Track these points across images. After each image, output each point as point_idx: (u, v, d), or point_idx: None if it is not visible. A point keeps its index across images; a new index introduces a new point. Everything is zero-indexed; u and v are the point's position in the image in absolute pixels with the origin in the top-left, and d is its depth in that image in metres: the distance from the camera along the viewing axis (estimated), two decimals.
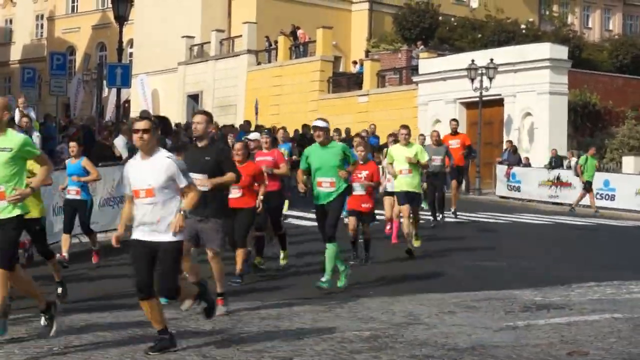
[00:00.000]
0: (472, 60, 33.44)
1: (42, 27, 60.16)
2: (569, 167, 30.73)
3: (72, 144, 14.06)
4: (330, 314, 9.48)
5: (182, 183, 7.53)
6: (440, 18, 43.60)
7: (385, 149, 17.80)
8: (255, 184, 11.98)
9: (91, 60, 54.81)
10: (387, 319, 9.14)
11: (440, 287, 11.45)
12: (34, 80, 36.34)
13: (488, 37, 43.40)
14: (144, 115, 7.84)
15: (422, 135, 21.97)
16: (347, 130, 28.89)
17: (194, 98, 46.74)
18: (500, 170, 31.21)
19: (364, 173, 13.29)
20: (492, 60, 33.00)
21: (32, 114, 21.01)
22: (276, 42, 43.45)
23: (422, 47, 40.16)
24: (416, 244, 14.72)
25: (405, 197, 14.23)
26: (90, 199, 13.93)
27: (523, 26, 45.15)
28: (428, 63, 37.63)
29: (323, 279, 10.87)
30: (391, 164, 14.43)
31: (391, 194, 15.70)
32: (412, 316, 9.29)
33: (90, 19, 56.56)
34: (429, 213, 18.54)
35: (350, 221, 13.39)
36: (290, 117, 37.37)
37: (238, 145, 12.00)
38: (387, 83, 40.08)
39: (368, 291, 11.23)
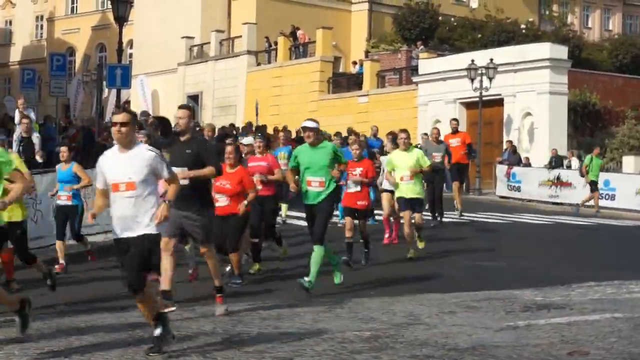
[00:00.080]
0: (472, 61, 33.44)
1: (41, 28, 60.19)
2: (569, 167, 30.75)
3: (63, 148, 13.75)
4: (330, 314, 9.48)
5: (165, 174, 7.47)
6: (440, 18, 43.60)
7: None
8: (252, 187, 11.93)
9: (91, 61, 54.81)
10: (387, 319, 9.14)
11: (441, 287, 11.44)
12: (34, 81, 36.33)
13: (488, 37, 43.40)
14: (123, 107, 7.80)
15: (425, 134, 21.96)
16: (349, 131, 28.77)
17: (194, 99, 46.71)
18: (501, 170, 31.20)
19: (358, 170, 13.23)
20: (492, 60, 33.01)
21: (32, 115, 21.00)
22: (276, 42, 43.46)
23: (421, 47, 40.16)
24: (420, 245, 14.58)
25: (407, 204, 14.08)
26: (82, 204, 13.71)
27: (523, 26, 45.16)
28: (428, 63, 37.64)
29: (306, 279, 10.78)
30: (391, 172, 14.28)
31: (389, 191, 15.61)
32: (413, 316, 9.29)
33: (89, 19, 56.58)
34: (429, 213, 18.50)
35: (347, 222, 13.30)
36: (291, 118, 37.32)
37: (229, 149, 11.83)
38: (387, 83, 40.08)
39: (368, 291, 11.23)
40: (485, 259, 14.45)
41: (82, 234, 14.17)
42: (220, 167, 9.91)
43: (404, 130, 14.61)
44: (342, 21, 46.06)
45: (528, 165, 31.43)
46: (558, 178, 29.31)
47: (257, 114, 35.32)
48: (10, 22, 62.08)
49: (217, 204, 11.54)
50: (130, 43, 50.00)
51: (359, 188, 13.24)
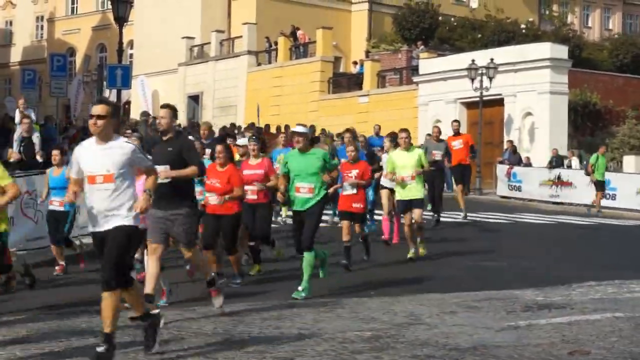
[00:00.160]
0: (473, 60, 33.44)
1: (42, 29, 60.18)
2: (569, 167, 30.75)
3: (55, 152, 13.44)
4: (331, 314, 9.48)
5: (143, 164, 7.41)
6: (440, 18, 43.58)
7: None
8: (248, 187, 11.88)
9: (91, 61, 54.81)
10: (388, 319, 9.14)
11: (441, 287, 11.44)
12: (34, 81, 36.36)
13: (488, 37, 43.39)
14: (102, 99, 7.66)
15: (429, 135, 21.86)
16: (347, 130, 28.76)
17: (195, 99, 46.74)
18: (501, 170, 31.20)
19: (354, 172, 13.11)
20: (492, 60, 33.00)
21: (32, 115, 21.01)
22: (276, 42, 43.45)
23: (422, 47, 40.15)
24: (422, 252, 14.36)
25: (406, 205, 13.95)
26: (73, 209, 13.49)
27: (523, 26, 45.14)
28: (428, 63, 37.63)
29: (300, 288, 10.69)
30: (392, 172, 14.04)
31: (389, 188, 15.48)
32: (414, 316, 9.28)
33: (90, 20, 56.57)
34: (430, 214, 18.42)
35: (344, 227, 13.08)
36: (291, 118, 37.27)
37: (219, 148, 11.71)
38: (387, 83, 40.07)
39: (369, 291, 11.23)
40: (486, 259, 14.44)
41: (72, 238, 13.99)
42: (202, 166, 9.87)
43: (405, 130, 14.41)
44: (343, 21, 46.05)
45: (529, 165, 31.43)
46: (559, 178, 29.30)
47: (258, 116, 35.26)
48: (11, 23, 62.08)
49: (209, 202, 11.59)
50: (131, 43, 50.00)
51: (354, 191, 13.09)
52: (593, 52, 44.74)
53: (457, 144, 19.87)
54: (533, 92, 33.68)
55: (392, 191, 15.24)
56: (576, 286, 11.55)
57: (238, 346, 7.75)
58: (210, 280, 9.55)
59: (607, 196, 26.93)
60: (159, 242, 9.34)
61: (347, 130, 16.46)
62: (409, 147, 14.11)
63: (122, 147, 7.22)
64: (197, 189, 12.00)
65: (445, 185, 20.78)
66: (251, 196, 12.43)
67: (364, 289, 11.37)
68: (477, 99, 33.28)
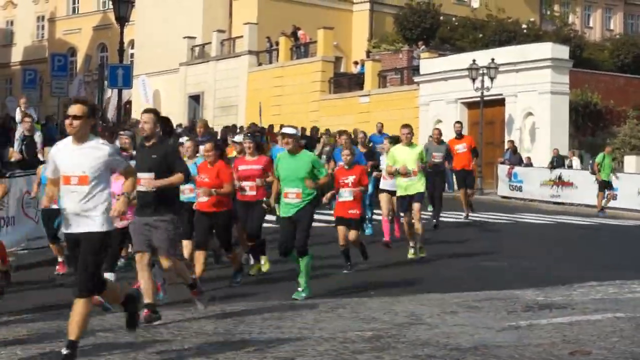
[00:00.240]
0: (474, 60, 33.43)
1: (43, 29, 60.19)
2: (570, 167, 30.75)
3: (47, 148, 13.31)
4: (332, 314, 9.48)
5: (120, 166, 7.24)
6: (441, 18, 43.56)
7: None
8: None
9: (92, 61, 54.82)
10: (389, 319, 9.13)
11: (442, 288, 11.43)
12: (35, 81, 36.46)
13: (489, 37, 43.38)
14: (79, 99, 7.48)
15: (430, 137, 21.67)
16: (355, 131, 28.64)
17: (195, 99, 46.75)
18: (502, 170, 31.20)
19: (351, 178, 12.74)
20: (493, 60, 33.00)
21: (34, 114, 21.04)
22: (277, 42, 43.44)
23: (423, 47, 40.14)
24: (422, 253, 14.24)
25: (405, 202, 13.84)
26: None
27: (524, 26, 45.13)
28: (429, 63, 37.62)
29: (300, 289, 10.69)
30: (392, 166, 13.92)
31: (389, 191, 15.38)
32: (414, 316, 9.28)
33: (91, 20, 56.57)
34: (429, 214, 18.28)
35: (339, 232, 12.82)
36: (292, 118, 37.29)
37: (208, 146, 11.52)
38: (388, 83, 40.06)
39: (370, 292, 11.23)
40: (487, 259, 14.43)
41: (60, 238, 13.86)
42: (188, 172, 9.57)
43: (407, 126, 14.25)
44: (344, 21, 46.05)
45: (530, 165, 31.42)
46: (559, 178, 29.31)
47: (260, 115, 35.11)
48: (12, 23, 62.09)
49: (198, 200, 11.50)
50: (132, 43, 50.02)
51: (351, 197, 12.77)
52: (594, 52, 44.74)
53: (461, 148, 19.64)
54: (534, 92, 33.67)
55: (391, 193, 15.18)
56: (577, 286, 11.55)
57: (239, 346, 7.75)
58: (191, 283, 9.35)
59: (609, 196, 26.90)
60: (144, 250, 9.14)
61: (344, 132, 16.26)
62: (410, 143, 13.97)
63: (99, 148, 7.07)
64: (188, 186, 11.99)
65: (446, 185, 20.69)
66: (250, 192, 12.26)
67: (365, 289, 11.37)
68: (478, 99, 33.27)
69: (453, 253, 14.96)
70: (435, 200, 18.07)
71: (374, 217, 17.58)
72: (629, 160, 31.74)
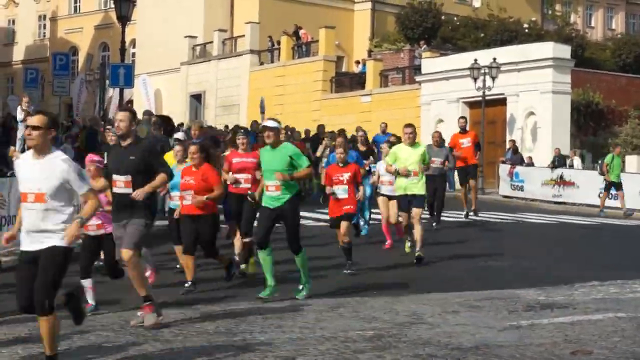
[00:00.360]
0: (475, 60, 33.43)
1: (44, 28, 60.24)
2: (571, 166, 30.73)
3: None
4: (333, 313, 9.47)
5: (80, 189, 6.69)
6: (442, 17, 43.57)
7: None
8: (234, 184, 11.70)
9: (94, 60, 54.86)
10: (390, 318, 9.13)
11: (443, 287, 11.43)
12: (37, 80, 36.46)
13: (491, 37, 43.38)
14: (39, 109, 7.20)
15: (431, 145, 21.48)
16: (357, 130, 28.54)
17: (197, 98, 46.77)
18: (503, 169, 31.19)
19: (346, 175, 12.68)
20: (494, 59, 32.98)
21: None
22: (279, 42, 43.46)
23: (424, 46, 40.14)
24: (419, 253, 13.71)
25: (405, 202, 13.61)
26: None
27: (526, 25, 45.12)
28: (431, 62, 37.62)
29: (300, 287, 10.67)
30: (391, 165, 13.73)
31: (386, 195, 15.25)
32: (415, 316, 9.27)
33: (92, 19, 56.60)
34: (427, 215, 18.02)
35: (342, 227, 12.62)
36: (294, 117, 37.34)
37: (193, 149, 11.33)
38: (389, 83, 40.06)
39: (371, 291, 11.22)
40: (488, 259, 14.42)
41: None
42: (170, 171, 9.24)
43: (410, 125, 14.04)
44: (345, 20, 46.06)
45: (531, 164, 31.41)
46: (561, 177, 29.29)
47: (263, 112, 34.99)
48: (13, 22, 62.12)
49: (184, 202, 11.36)
50: (133, 42, 50.04)
51: (345, 195, 12.66)
52: (596, 52, 44.74)
53: (465, 142, 19.59)
54: (536, 92, 33.66)
55: (389, 198, 15.10)
56: (578, 286, 11.54)
57: (240, 345, 7.75)
58: (145, 295, 8.75)
59: (610, 196, 26.86)
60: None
61: (340, 133, 16.08)
62: (413, 142, 13.79)
63: (56, 164, 6.64)
64: (174, 193, 11.93)
65: (447, 185, 20.62)
66: (245, 185, 12.13)
67: (366, 289, 11.36)
68: (480, 98, 33.27)
69: (454, 253, 14.95)
70: (436, 205, 17.95)
71: (373, 217, 17.54)
72: (630, 160, 31.72)
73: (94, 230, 9.78)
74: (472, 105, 35.45)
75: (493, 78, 32.79)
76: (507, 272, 13.13)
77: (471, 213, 20.27)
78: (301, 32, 43.42)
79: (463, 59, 34.87)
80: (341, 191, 12.68)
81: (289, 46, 43.13)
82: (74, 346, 7.75)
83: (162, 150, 13.29)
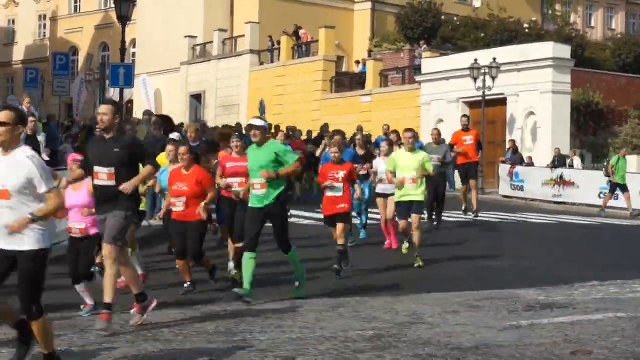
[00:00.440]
0: (475, 60, 33.43)
1: (44, 28, 60.24)
2: (571, 166, 30.73)
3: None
4: (333, 313, 9.48)
5: (42, 188, 6.52)
6: (442, 17, 43.58)
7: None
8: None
9: (94, 60, 54.87)
10: (390, 318, 9.13)
11: (443, 287, 11.43)
12: (37, 80, 36.44)
13: (491, 37, 43.39)
14: (7, 105, 7.07)
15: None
16: (360, 129, 28.48)
17: (197, 98, 46.77)
18: (503, 169, 31.19)
19: (341, 173, 12.49)
20: (495, 59, 32.98)
21: (36, 114, 21.07)
22: (279, 42, 43.46)
23: (424, 46, 40.14)
24: (418, 263, 13.41)
25: (405, 209, 13.37)
26: None
27: (526, 25, 45.13)
28: (431, 62, 37.61)
29: (296, 284, 10.63)
30: (392, 172, 13.56)
31: (383, 195, 15.19)
32: (416, 316, 9.28)
33: (92, 19, 56.61)
34: (426, 215, 17.84)
35: (337, 229, 12.41)
36: (294, 117, 37.35)
37: (183, 149, 11.17)
38: (389, 83, 40.06)
39: (371, 291, 11.22)
40: (488, 259, 14.43)
41: None
42: (156, 162, 9.18)
43: (410, 130, 13.86)
44: (345, 20, 46.06)
45: (531, 164, 31.41)
46: (561, 177, 29.28)
47: (264, 113, 34.67)
48: (14, 22, 62.13)
49: (174, 209, 11.17)
50: (133, 42, 50.04)
51: (340, 193, 12.46)
52: (596, 52, 44.74)
53: (468, 140, 19.50)
54: (536, 92, 33.66)
55: (385, 196, 14.99)
56: (578, 286, 11.55)
57: (240, 345, 7.75)
58: (108, 302, 8.53)
59: (626, 198, 26.76)
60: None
61: (337, 132, 15.95)
62: (413, 148, 13.60)
63: (22, 161, 6.51)
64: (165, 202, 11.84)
65: (447, 184, 20.59)
66: (238, 189, 11.76)
67: (366, 289, 11.36)
68: (480, 98, 33.27)
69: (454, 253, 14.95)
70: (437, 200, 17.85)
71: (373, 217, 17.53)
72: (631, 160, 31.59)
73: (77, 234, 9.63)
74: (472, 105, 35.44)
75: (493, 78, 32.79)
76: (507, 272, 13.13)
77: (471, 214, 20.20)
78: (301, 32, 43.42)
79: (463, 59, 34.87)
80: (336, 189, 12.48)
81: (289, 46, 43.13)
82: (74, 346, 7.75)
83: (163, 150, 13.27)
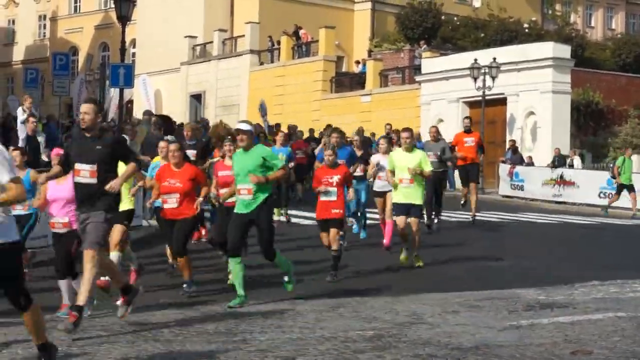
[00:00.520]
0: (475, 60, 33.44)
1: (44, 28, 60.22)
2: (571, 166, 30.75)
3: (15, 152, 12.09)
4: (333, 313, 9.48)
5: (4, 177, 6.47)
6: (442, 17, 43.59)
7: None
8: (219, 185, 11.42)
9: (94, 60, 54.86)
10: (390, 318, 9.13)
11: (443, 287, 11.43)
12: (37, 80, 36.40)
13: (491, 37, 43.39)
14: None
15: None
16: (360, 131, 28.47)
17: (197, 98, 46.77)
18: (503, 169, 31.20)
19: (336, 178, 12.36)
20: (494, 59, 32.99)
21: (36, 114, 21.08)
22: (279, 42, 43.47)
23: (424, 46, 40.15)
24: (418, 263, 13.45)
25: (402, 209, 13.21)
26: (36, 212, 11.99)
27: (526, 25, 45.14)
28: (431, 62, 37.62)
29: (286, 279, 10.54)
30: (392, 171, 13.41)
31: (380, 194, 15.04)
32: (416, 316, 9.28)
33: (92, 19, 56.59)
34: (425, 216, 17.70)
35: (330, 235, 12.27)
36: (294, 117, 37.33)
37: (173, 147, 11.12)
38: (389, 83, 40.07)
39: (371, 291, 11.22)
40: (488, 259, 14.43)
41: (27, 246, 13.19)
42: (138, 160, 9.13)
43: (407, 129, 13.73)
44: (345, 20, 46.06)
45: (531, 164, 31.42)
46: (561, 177, 29.30)
47: (265, 114, 34.11)
48: (13, 22, 62.11)
49: (165, 206, 11.10)
50: (133, 42, 50.04)
51: (334, 197, 12.33)
52: (596, 52, 44.75)
53: (469, 141, 19.37)
54: (536, 92, 33.67)
55: (381, 194, 14.88)
56: (579, 286, 11.54)
57: (240, 345, 7.75)
58: (79, 304, 8.42)
59: (610, 196, 26.86)
60: (85, 247, 8.69)
61: (335, 130, 15.81)
62: (411, 148, 13.50)
63: None
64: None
65: (447, 184, 20.53)
66: (232, 199, 11.35)
67: (366, 289, 11.36)
68: (480, 98, 33.28)
69: (454, 253, 14.94)
70: (436, 198, 17.78)
71: (372, 217, 17.50)
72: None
73: (60, 228, 9.55)
74: (472, 105, 35.44)
75: (493, 78, 32.80)
76: (507, 272, 13.13)
77: (469, 217, 20.09)
78: (301, 32, 43.43)
79: (463, 59, 34.88)
80: (330, 194, 12.33)
81: (289, 46, 43.14)
82: (74, 346, 7.75)
83: None
